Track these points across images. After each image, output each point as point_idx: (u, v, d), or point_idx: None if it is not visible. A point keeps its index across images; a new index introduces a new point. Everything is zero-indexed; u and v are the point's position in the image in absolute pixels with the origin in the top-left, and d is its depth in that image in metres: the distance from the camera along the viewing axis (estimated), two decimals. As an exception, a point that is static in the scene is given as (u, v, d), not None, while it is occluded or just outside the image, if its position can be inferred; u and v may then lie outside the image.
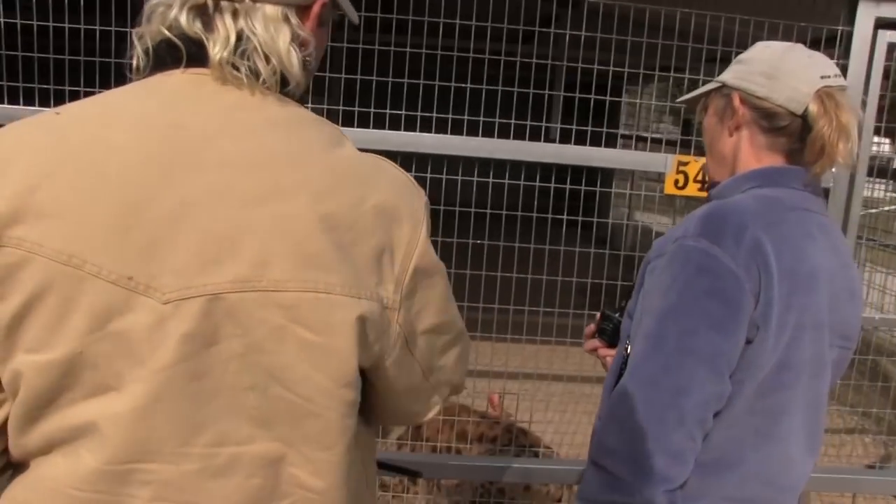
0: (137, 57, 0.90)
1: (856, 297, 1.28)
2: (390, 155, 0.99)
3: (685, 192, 2.27)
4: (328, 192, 0.85)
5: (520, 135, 2.29)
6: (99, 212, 0.78)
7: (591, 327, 1.48)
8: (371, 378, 0.93)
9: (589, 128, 2.41)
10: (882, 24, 2.22)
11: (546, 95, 2.43)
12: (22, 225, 0.77)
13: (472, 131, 2.25)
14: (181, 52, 0.87)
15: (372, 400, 0.97)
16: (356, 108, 2.35)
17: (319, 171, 0.86)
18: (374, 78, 2.35)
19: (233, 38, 0.87)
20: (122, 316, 0.78)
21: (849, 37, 2.25)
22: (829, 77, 1.22)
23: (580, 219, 2.62)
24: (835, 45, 2.30)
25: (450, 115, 2.33)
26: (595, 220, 2.81)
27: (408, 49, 2.35)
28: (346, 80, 2.39)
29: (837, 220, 2.35)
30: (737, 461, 1.17)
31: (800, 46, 1.27)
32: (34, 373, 0.78)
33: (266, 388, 0.83)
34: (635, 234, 5.07)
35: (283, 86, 0.91)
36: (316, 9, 0.95)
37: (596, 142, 2.35)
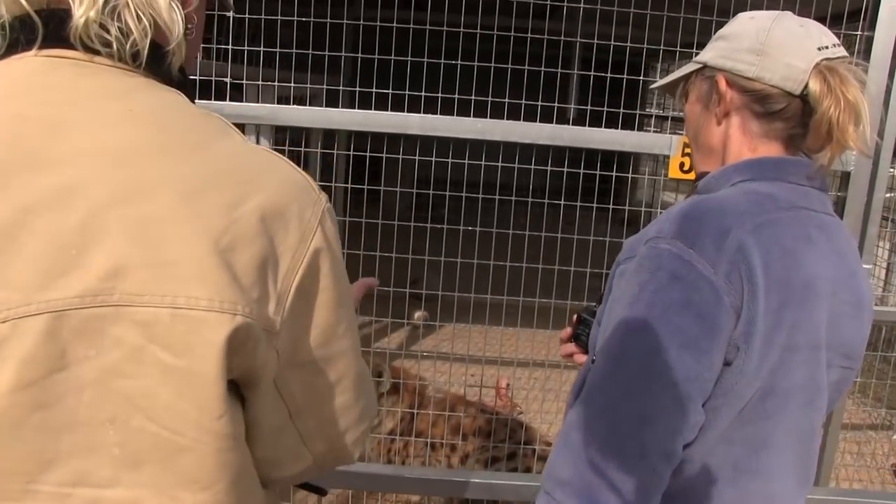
0: None
1: (863, 310, 1.11)
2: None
3: (691, 177, 2.12)
4: (199, 191, 0.72)
5: (532, 116, 2.16)
6: None
7: (568, 331, 1.34)
8: None
9: (605, 108, 2.27)
10: (912, -8, 2.05)
11: (559, 74, 2.29)
12: None
13: (481, 112, 2.12)
14: (37, 30, 0.75)
15: None
16: (357, 89, 2.23)
17: (190, 167, 0.73)
18: (376, 56, 2.23)
19: None
20: None
21: (875, 7, 2.08)
22: (826, 48, 1.06)
23: (594, 205, 2.49)
24: (859, 18, 2.14)
25: (455, 96, 2.21)
26: (609, 206, 2.66)
27: (411, 25, 2.22)
28: (347, 59, 2.27)
29: (859, 203, 2.18)
30: (709, 496, 1.03)
31: (788, 14, 1.10)
32: None
33: (128, 420, 0.71)
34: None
35: (155, 56, 0.78)
36: None
37: (615, 123, 2.20)
